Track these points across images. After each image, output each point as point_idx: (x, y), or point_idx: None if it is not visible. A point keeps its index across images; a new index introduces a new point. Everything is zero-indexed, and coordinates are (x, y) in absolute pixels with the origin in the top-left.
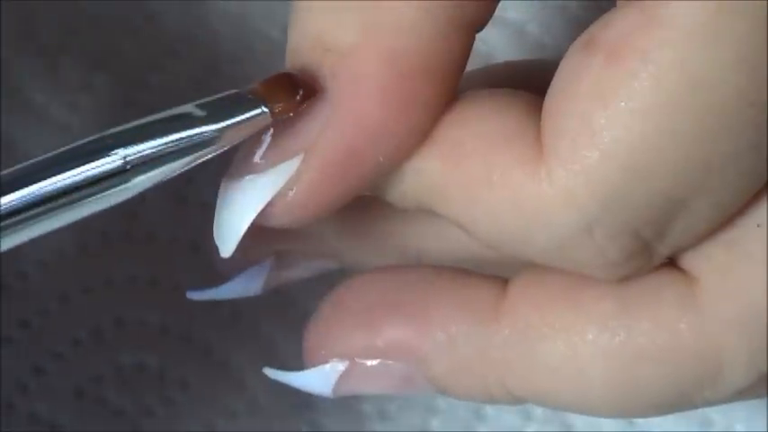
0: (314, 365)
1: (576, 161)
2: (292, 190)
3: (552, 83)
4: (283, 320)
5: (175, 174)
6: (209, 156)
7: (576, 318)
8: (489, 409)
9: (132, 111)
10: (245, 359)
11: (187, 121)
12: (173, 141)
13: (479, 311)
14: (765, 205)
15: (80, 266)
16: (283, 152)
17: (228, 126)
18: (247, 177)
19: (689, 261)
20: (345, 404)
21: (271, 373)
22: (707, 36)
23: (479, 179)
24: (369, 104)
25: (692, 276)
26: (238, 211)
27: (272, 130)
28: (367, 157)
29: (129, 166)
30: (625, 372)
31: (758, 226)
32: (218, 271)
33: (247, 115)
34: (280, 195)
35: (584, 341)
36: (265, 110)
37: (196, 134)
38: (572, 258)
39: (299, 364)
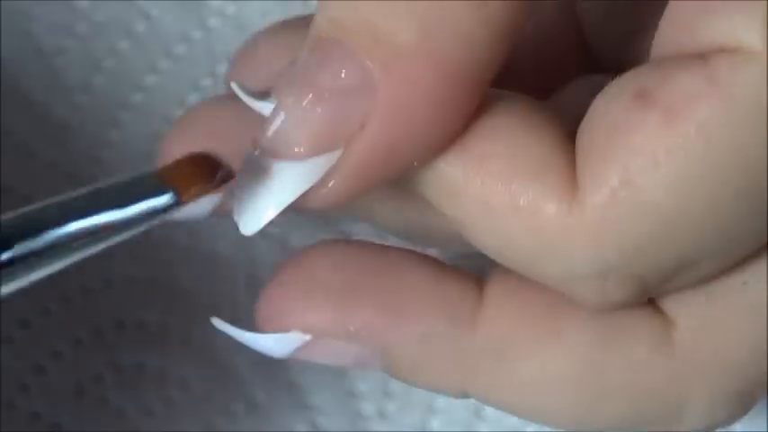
0: (273, 330)
1: (612, 211)
2: (331, 182)
3: (592, 122)
4: None
5: (72, 264)
6: (113, 243)
7: (553, 344)
8: (489, 409)
9: (130, 111)
10: (244, 359)
11: (87, 206)
12: (70, 230)
13: (456, 316)
14: (752, 265)
15: (80, 267)
16: (322, 140)
17: (131, 213)
18: (284, 163)
19: (669, 304)
20: (345, 404)
21: (220, 324)
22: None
23: (503, 201)
24: (416, 107)
25: (670, 319)
26: (271, 197)
27: (320, 109)
28: (403, 157)
29: (14, 259)
30: (591, 402)
31: (744, 284)
32: None
33: (153, 202)
34: (316, 186)
35: (557, 368)
36: (173, 196)
37: (95, 221)
38: (572, 290)
39: (299, 365)
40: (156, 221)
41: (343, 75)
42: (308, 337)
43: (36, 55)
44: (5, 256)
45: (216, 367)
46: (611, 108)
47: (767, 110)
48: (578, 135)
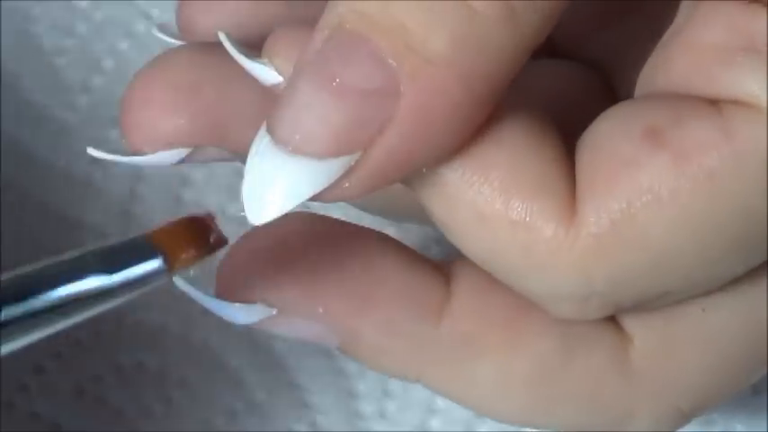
0: (238, 300)
1: (609, 242)
2: (346, 184)
3: (596, 145)
4: None
5: (56, 331)
6: (98, 312)
7: (515, 348)
8: None
9: None
10: (244, 359)
11: (72, 272)
12: (54, 297)
13: (423, 308)
14: (712, 294)
15: None
16: (343, 141)
17: (120, 279)
18: (299, 158)
19: (628, 322)
20: (345, 404)
21: (183, 285)
22: None
23: (498, 214)
24: (438, 117)
25: (628, 336)
26: (282, 191)
27: (342, 108)
28: (418, 162)
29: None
30: (543, 405)
31: (702, 311)
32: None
33: (141, 268)
34: (330, 187)
35: (516, 371)
36: (162, 264)
37: (82, 288)
38: (549, 306)
39: (298, 364)
40: (145, 289)
41: (366, 74)
42: (273, 311)
43: (36, 54)
44: None
45: (216, 367)
46: (619, 138)
47: None
48: (578, 152)
